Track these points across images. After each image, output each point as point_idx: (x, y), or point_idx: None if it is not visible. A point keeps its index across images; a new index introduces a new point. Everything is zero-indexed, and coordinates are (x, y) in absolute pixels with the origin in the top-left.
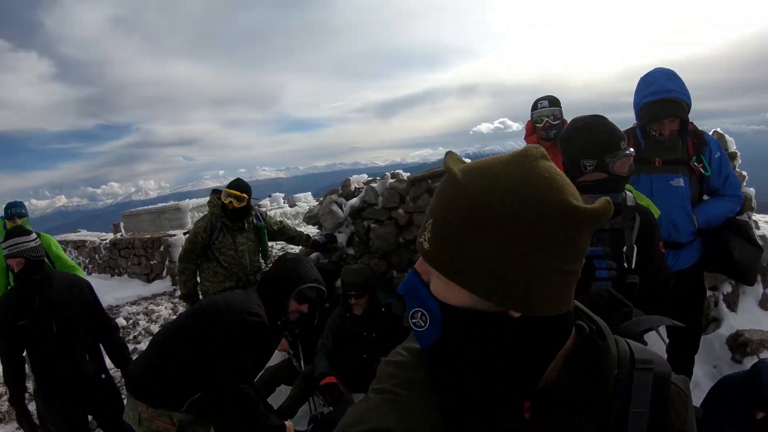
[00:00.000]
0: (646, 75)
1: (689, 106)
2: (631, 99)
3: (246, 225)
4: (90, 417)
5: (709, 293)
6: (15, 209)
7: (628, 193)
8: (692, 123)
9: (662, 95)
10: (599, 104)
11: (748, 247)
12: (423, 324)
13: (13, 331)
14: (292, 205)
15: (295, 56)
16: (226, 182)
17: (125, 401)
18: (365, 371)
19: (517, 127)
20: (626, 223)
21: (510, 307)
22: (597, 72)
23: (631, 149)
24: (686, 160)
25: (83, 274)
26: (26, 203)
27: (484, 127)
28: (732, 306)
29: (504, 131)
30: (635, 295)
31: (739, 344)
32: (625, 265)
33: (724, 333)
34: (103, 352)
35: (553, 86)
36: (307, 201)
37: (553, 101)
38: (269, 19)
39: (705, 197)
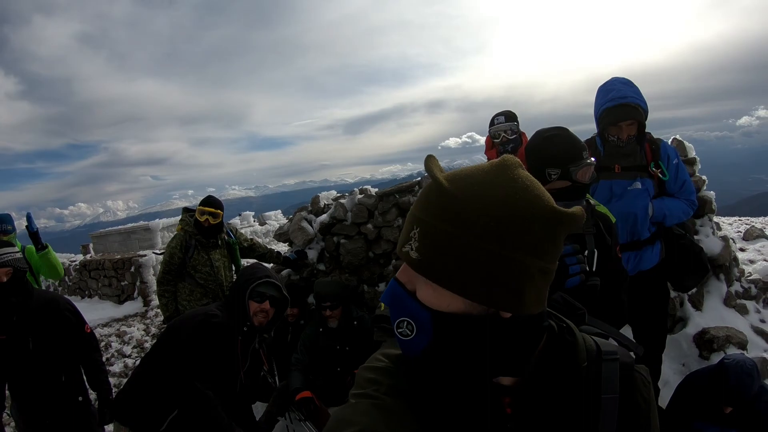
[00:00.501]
0: (605, 83)
1: (646, 111)
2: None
3: (219, 241)
4: None
5: (674, 294)
6: (3, 225)
7: (588, 200)
8: (649, 132)
9: (620, 101)
10: (565, 116)
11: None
12: (410, 333)
13: None
14: (262, 223)
15: (263, 74)
16: (196, 202)
17: (112, 427)
18: (339, 385)
19: (484, 141)
20: (587, 228)
21: (503, 308)
22: (562, 84)
23: (593, 159)
24: (645, 166)
25: (61, 273)
26: None
27: (453, 142)
28: (697, 305)
29: (472, 145)
30: (596, 296)
31: (705, 341)
32: (587, 268)
33: (691, 331)
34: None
35: (519, 99)
36: (277, 219)
37: (510, 116)
38: (237, 37)
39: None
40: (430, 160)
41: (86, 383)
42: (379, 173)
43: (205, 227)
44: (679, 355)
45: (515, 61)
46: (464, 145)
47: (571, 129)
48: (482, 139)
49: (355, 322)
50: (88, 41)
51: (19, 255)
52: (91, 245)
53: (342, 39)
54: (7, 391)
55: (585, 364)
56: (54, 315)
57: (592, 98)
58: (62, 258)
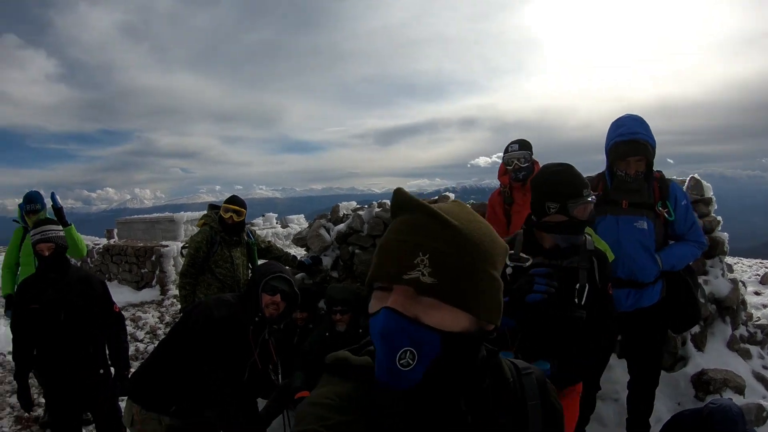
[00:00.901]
0: (617, 119)
1: (654, 149)
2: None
3: (240, 240)
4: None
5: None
6: (31, 205)
7: (587, 236)
8: (659, 171)
9: (629, 136)
10: (596, 144)
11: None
12: (411, 363)
13: (26, 314)
14: (284, 226)
15: (299, 78)
16: (222, 197)
17: (124, 403)
18: None
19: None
20: (583, 263)
21: (493, 321)
22: (596, 112)
23: (593, 197)
24: (652, 204)
25: (84, 252)
26: (20, 200)
27: (482, 161)
28: (699, 346)
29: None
30: (580, 329)
31: (702, 382)
32: (576, 300)
33: (690, 371)
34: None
35: (552, 124)
36: (299, 223)
37: (524, 145)
38: (276, 39)
39: (670, 242)
40: (403, 193)
41: (108, 357)
42: (406, 186)
43: (228, 224)
44: (676, 393)
45: (551, 84)
46: (494, 164)
47: (599, 159)
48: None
49: (361, 330)
50: (130, 31)
51: (61, 233)
52: (115, 230)
53: (381, 49)
54: None
55: (511, 379)
56: (86, 292)
57: None
58: (86, 240)
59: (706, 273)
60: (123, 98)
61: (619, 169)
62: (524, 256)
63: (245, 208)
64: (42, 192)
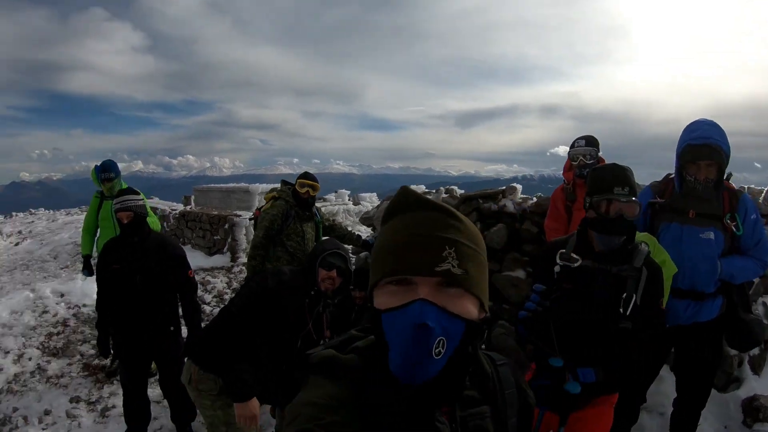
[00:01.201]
0: (691, 123)
1: (728, 157)
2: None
3: (312, 215)
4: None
5: (734, 352)
6: (105, 174)
7: (643, 246)
8: (730, 182)
9: (703, 140)
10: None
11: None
12: (442, 351)
13: (107, 272)
14: (356, 203)
15: (379, 56)
16: (300, 170)
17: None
18: None
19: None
20: (632, 273)
21: (486, 311)
22: (683, 107)
23: (630, 198)
24: (720, 215)
25: (158, 228)
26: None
27: (562, 150)
28: (756, 369)
29: None
30: (626, 340)
31: (752, 408)
32: (621, 310)
33: (742, 395)
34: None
35: (637, 117)
36: (371, 201)
37: (590, 141)
38: (359, 17)
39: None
40: (413, 191)
41: (180, 316)
42: (483, 170)
43: (303, 198)
44: (724, 416)
45: (637, 75)
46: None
47: None
48: None
49: None
50: (214, 5)
51: (141, 202)
52: (192, 197)
53: (460, 32)
54: None
55: (489, 370)
56: (162, 258)
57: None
58: (164, 205)
59: None
60: (206, 70)
61: (689, 173)
62: (575, 256)
63: (319, 185)
64: (125, 157)
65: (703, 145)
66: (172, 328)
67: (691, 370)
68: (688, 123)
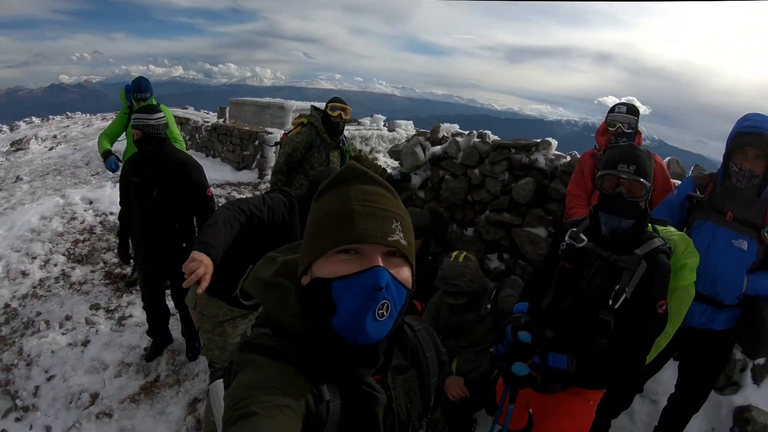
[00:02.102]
0: (745, 114)
1: None
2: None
3: (339, 143)
4: None
5: (740, 356)
6: (140, 94)
7: (657, 240)
8: None
9: (754, 129)
10: (737, 114)
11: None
12: (385, 314)
13: (128, 185)
14: (391, 129)
15: None
16: (342, 87)
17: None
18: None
19: (643, 110)
20: (629, 264)
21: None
22: (744, 79)
23: (637, 177)
24: (759, 226)
25: (184, 148)
26: (144, 69)
27: (611, 100)
28: (757, 379)
29: None
30: (605, 334)
31: (743, 419)
32: (610, 302)
33: (736, 401)
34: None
35: (693, 80)
36: (406, 129)
37: (632, 109)
38: None
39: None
40: (358, 166)
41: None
42: (527, 108)
43: (334, 123)
44: (715, 418)
45: (700, 36)
46: None
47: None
48: (642, 108)
49: (430, 257)
50: None
51: (152, 122)
52: (227, 109)
53: None
54: None
55: (410, 334)
56: (180, 174)
57: None
58: (197, 116)
59: None
60: None
61: (735, 163)
62: (582, 236)
63: (350, 108)
64: (165, 62)
65: (753, 133)
66: (184, 245)
67: (694, 374)
68: (746, 96)
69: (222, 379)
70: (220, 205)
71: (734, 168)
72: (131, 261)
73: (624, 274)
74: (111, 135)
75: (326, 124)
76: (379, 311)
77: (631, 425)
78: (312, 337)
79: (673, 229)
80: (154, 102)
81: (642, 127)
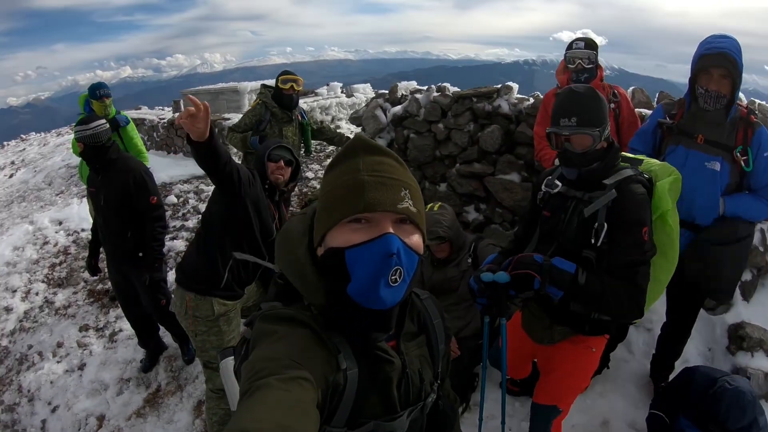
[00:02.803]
0: (707, 37)
1: (740, 75)
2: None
3: (293, 118)
4: None
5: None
6: (102, 90)
7: (626, 171)
8: (753, 114)
9: (716, 50)
10: (693, 35)
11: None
12: (398, 280)
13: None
14: (349, 95)
15: None
16: (294, 60)
17: (173, 292)
18: None
19: (599, 41)
20: (603, 201)
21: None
22: (693, 1)
23: (578, 129)
24: (731, 147)
25: (148, 160)
26: (92, 74)
27: (566, 36)
28: (746, 295)
29: None
30: (593, 269)
31: (737, 336)
32: (593, 240)
33: (729, 320)
34: None
35: (645, 5)
36: (365, 93)
37: (590, 44)
38: None
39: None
40: (367, 138)
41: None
42: (484, 54)
43: (286, 96)
44: (710, 339)
45: None
46: None
47: (687, 52)
48: (598, 39)
49: None
50: None
51: (89, 131)
52: (182, 102)
53: None
54: None
55: (418, 302)
56: (122, 182)
57: (727, 24)
58: (152, 115)
59: None
60: None
61: (701, 85)
62: (557, 182)
63: (302, 79)
64: (112, 64)
65: (717, 53)
66: (140, 254)
67: (681, 298)
68: (699, 16)
69: (232, 357)
70: (188, 201)
71: (700, 90)
72: (99, 273)
73: (599, 210)
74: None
75: (279, 98)
76: (392, 277)
77: (630, 355)
78: (329, 304)
79: (653, 160)
80: (113, 110)
81: (601, 59)
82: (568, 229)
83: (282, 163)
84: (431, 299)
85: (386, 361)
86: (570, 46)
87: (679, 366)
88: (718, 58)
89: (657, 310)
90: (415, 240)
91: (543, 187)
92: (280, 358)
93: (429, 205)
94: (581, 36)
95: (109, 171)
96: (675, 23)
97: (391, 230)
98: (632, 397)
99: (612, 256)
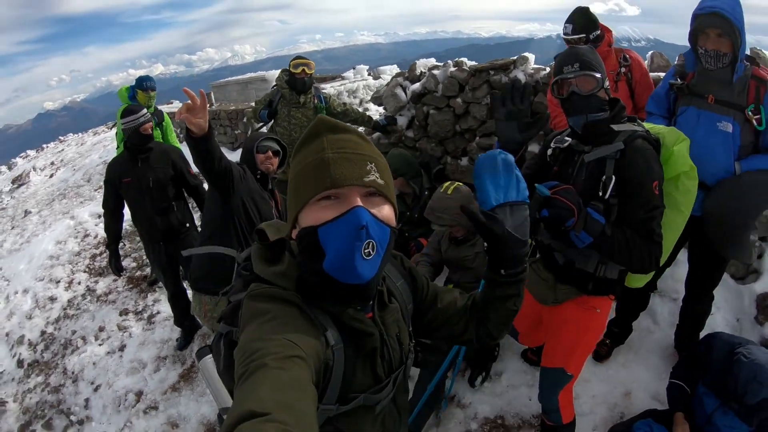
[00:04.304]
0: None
1: (740, 30)
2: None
3: (304, 101)
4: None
5: (757, 243)
6: (150, 83)
7: (629, 126)
8: (763, 70)
9: (708, 9)
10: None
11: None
12: (372, 252)
13: (118, 188)
14: (376, 77)
15: None
16: (324, 46)
17: (191, 295)
18: (402, 246)
19: (633, 11)
20: (610, 154)
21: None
22: None
23: (582, 72)
24: (743, 106)
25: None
26: (124, 74)
27: (598, 7)
28: None
29: (618, 14)
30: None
31: (765, 306)
32: (600, 193)
33: (758, 289)
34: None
35: None
36: (391, 73)
37: (578, 21)
38: None
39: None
40: (329, 119)
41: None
42: (515, 30)
43: (298, 80)
44: (738, 309)
45: None
46: (610, 12)
47: None
48: (630, 9)
49: (426, 193)
50: None
51: (143, 119)
52: (212, 94)
53: None
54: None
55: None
56: (166, 161)
57: None
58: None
59: None
60: None
61: (701, 45)
62: (566, 138)
63: (313, 62)
64: (143, 62)
65: (709, 13)
66: (187, 225)
67: (697, 263)
68: None
69: (210, 355)
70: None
71: (701, 51)
72: (124, 271)
73: (607, 162)
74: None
75: (292, 82)
76: (365, 250)
77: (654, 326)
78: (307, 281)
79: (660, 125)
80: (154, 106)
81: (636, 29)
82: (576, 182)
83: (270, 153)
84: (397, 263)
85: (368, 334)
86: (565, 31)
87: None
88: (710, 18)
89: (682, 279)
90: (386, 212)
91: (552, 144)
92: (274, 337)
93: (444, 185)
94: (570, 17)
95: (150, 157)
96: None
97: (360, 203)
98: (656, 368)
99: (628, 211)
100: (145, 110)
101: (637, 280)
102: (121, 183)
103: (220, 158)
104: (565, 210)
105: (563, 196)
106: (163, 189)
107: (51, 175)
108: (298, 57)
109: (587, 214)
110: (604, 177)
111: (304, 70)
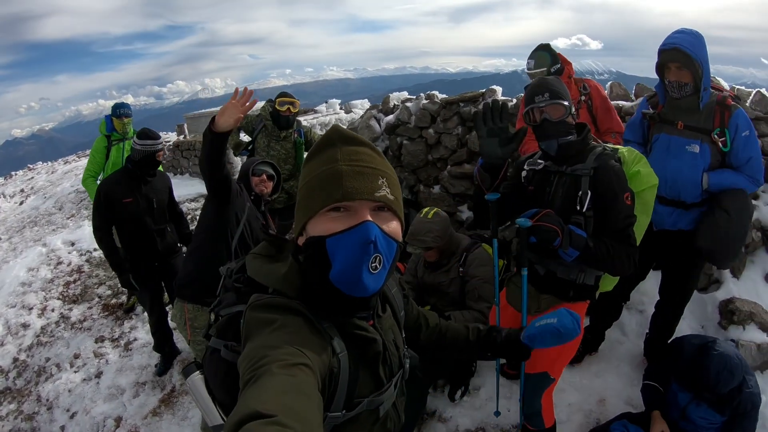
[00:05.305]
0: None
1: (700, 62)
2: (725, 33)
3: (285, 135)
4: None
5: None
6: (124, 109)
7: (599, 149)
8: (728, 95)
9: (669, 45)
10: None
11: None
12: (378, 267)
13: (115, 208)
14: (347, 111)
15: None
16: (294, 81)
17: (173, 304)
18: None
19: (595, 45)
20: (585, 171)
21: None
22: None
23: (552, 101)
24: (709, 130)
25: None
26: (93, 104)
27: (561, 42)
28: (735, 272)
29: (581, 48)
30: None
31: (728, 311)
32: (578, 207)
33: (720, 296)
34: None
35: (637, 7)
36: (363, 108)
37: (540, 57)
38: None
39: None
40: (344, 129)
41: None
42: (482, 66)
43: (282, 117)
44: (702, 317)
45: None
46: (573, 47)
47: None
48: (593, 43)
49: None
50: None
51: (160, 145)
52: (185, 125)
53: None
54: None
55: None
56: (164, 185)
57: (721, 19)
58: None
59: (756, 197)
60: None
61: (666, 77)
62: (539, 160)
63: (298, 101)
64: (113, 93)
65: (671, 49)
66: (179, 245)
67: (674, 275)
68: (691, 14)
69: (197, 372)
70: (196, 218)
71: (667, 82)
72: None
73: (582, 179)
74: (95, 173)
75: (276, 116)
76: (372, 264)
77: (624, 337)
78: (312, 291)
79: (620, 146)
80: (132, 130)
81: (598, 63)
82: (554, 199)
83: (264, 177)
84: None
85: (371, 341)
86: (528, 66)
87: None
88: (671, 53)
89: (648, 292)
90: (393, 227)
91: (526, 167)
92: (281, 345)
93: (424, 210)
94: (533, 53)
95: (153, 179)
96: (668, 22)
97: (370, 218)
98: (627, 375)
99: (606, 221)
100: (161, 137)
101: (607, 284)
102: (121, 203)
103: (225, 164)
104: (550, 232)
105: (545, 221)
106: (163, 211)
107: (21, 202)
108: (285, 94)
109: (570, 231)
110: (580, 192)
111: (289, 108)
